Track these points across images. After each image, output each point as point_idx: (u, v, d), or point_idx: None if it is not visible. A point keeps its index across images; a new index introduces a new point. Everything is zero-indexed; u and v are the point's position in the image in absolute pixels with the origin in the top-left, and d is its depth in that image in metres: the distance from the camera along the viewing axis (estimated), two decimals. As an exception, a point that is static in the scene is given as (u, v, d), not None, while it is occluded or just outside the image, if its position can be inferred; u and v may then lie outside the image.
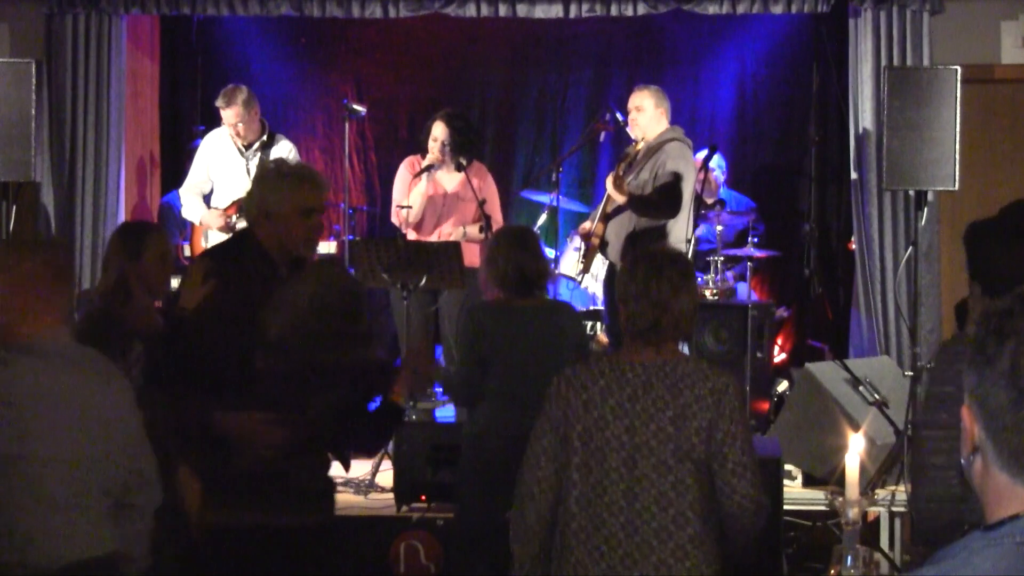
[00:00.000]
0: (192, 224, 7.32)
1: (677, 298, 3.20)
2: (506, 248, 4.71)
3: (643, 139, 6.78)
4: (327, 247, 7.91)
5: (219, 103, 7.08)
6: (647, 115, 6.79)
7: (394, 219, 7.11)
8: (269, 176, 4.00)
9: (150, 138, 8.35)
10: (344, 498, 5.75)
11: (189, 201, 7.20)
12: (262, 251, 3.88)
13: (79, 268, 7.34)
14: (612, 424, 3.12)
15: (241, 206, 6.89)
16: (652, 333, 3.18)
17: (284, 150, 7.08)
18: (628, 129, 6.94)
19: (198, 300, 3.76)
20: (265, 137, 7.10)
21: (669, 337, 3.23)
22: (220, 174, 7.10)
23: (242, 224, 6.80)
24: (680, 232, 6.58)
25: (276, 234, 3.88)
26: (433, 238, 6.91)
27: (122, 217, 7.63)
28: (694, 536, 3.09)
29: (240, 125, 6.96)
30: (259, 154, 7.00)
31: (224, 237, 6.89)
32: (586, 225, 6.92)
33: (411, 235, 6.97)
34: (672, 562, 3.07)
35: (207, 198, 7.20)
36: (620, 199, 6.53)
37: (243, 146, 7.03)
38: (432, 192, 6.96)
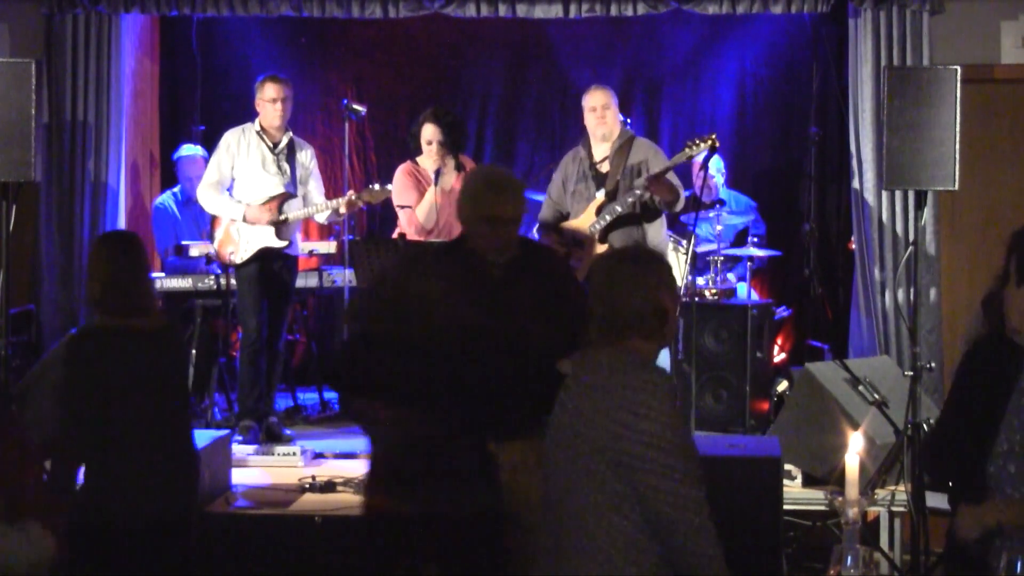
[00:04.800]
0: (213, 220, 7.13)
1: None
2: None
3: (607, 138, 6.73)
4: (327, 247, 7.92)
5: (269, 80, 6.94)
6: (613, 113, 6.76)
7: (405, 225, 7.00)
8: (495, 184, 4.20)
9: (150, 138, 8.35)
10: (344, 498, 5.75)
11: (220, 199, 6.96)
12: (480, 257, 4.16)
13: (79, 268, 7.35)
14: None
15: (280, 203, 6.91)
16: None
17: (309, 155, 7.11)
18: (594, 127, 6.72)
19: None
20: (289, 139, 7.04)
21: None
22: (249, 171, 6.96)
23: (291, 215, 6.88)
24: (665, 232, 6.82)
25: (494, 238, 4.09)
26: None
27: (122, 217, 7.63)
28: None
29: (280, 104, 6.89)
30: (285, 154, 6.98)
31: (265, 233, 6.86)
32: (582, 229, 6.79)
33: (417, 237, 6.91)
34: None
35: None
36: (668, 196, 6.50)
37: (272, 144, 6.98)
38: (440, 198, 6.91)
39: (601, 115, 6.72)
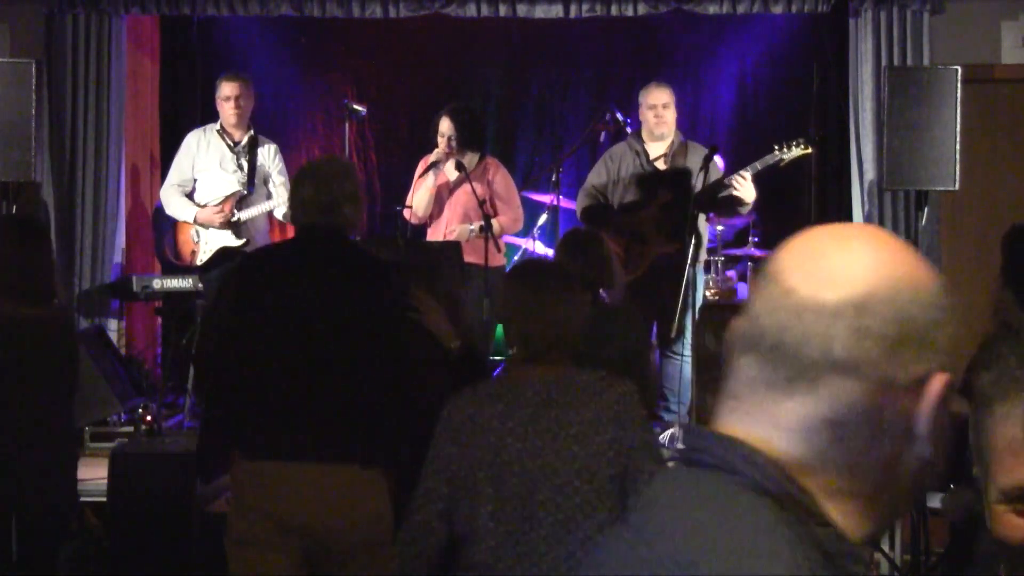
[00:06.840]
0: (176, 223, 7.21)
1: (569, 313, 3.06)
2: None
3: (665, 138, 6.70)
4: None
5: (224, 78, 7.12)
6: (672, 112, 6.73)
7: (409, 218, 7.14)
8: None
9: (150, 138, 8.35)
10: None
11: (177, 201, 7.12)
12: None
13: (79, 269, 7.35)
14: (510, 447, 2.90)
15: (235, 202, 7.00)
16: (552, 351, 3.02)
17: (272, 151, 7.18)
18: (652, 126, 6.72)
19: None
20: (250, 136, 7.12)
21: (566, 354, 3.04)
22: (208, 170, 7.08)
23: (244, 215, 6.97)
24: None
25: None
26: (438, 234, 6.95)
27: (122, 217, 7.63)
28: None
29: (240, 100, 7.01)
30: (245, 152, 7.08)
31: (223, 233, 6.96)
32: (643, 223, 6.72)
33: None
34: None
35: (190, 196, 7.19)
36: (751, 199, 6.43)
37: (232, 142, 7.07)
38: (437, 188, 7.00)
39: (660, 114, 6.67)
